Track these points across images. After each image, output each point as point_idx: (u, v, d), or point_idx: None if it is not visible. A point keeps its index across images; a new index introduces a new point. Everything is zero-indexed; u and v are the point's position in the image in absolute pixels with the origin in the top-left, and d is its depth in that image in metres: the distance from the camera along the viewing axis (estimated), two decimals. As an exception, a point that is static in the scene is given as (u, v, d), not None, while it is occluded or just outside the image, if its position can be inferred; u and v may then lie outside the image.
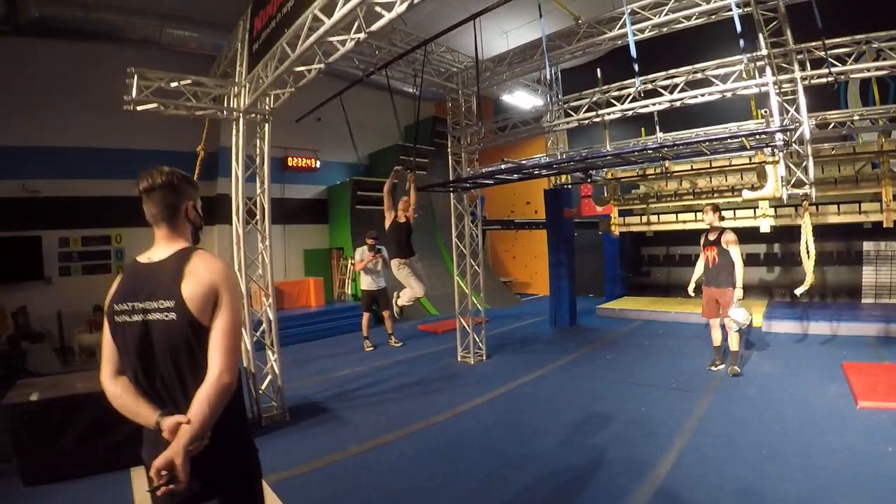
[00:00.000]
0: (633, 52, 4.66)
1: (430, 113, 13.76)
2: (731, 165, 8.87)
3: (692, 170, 9.54)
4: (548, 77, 9.93)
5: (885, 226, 7.85)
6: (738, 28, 4.53)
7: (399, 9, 3.48)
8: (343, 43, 4.05)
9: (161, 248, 1.88)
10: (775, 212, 7.90)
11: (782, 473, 3.77)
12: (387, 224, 6.87)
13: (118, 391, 1.78)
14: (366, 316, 9.19)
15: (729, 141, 5.84)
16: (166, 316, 1.73)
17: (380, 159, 14.89)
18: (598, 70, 7.23)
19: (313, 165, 14.71)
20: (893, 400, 5.03)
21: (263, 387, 5.57)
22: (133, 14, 8.78)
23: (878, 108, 7.57)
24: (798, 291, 6.67)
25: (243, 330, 5.49)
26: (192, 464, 1.59)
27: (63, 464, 4.18)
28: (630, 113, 6.44)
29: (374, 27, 3.78)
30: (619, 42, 6.22)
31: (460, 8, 8.28)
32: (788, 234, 10.37)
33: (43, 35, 8.48)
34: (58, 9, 8.14)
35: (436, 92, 8.91)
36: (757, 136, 5.53)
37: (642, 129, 8.11)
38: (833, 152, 8.18)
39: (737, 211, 8.56)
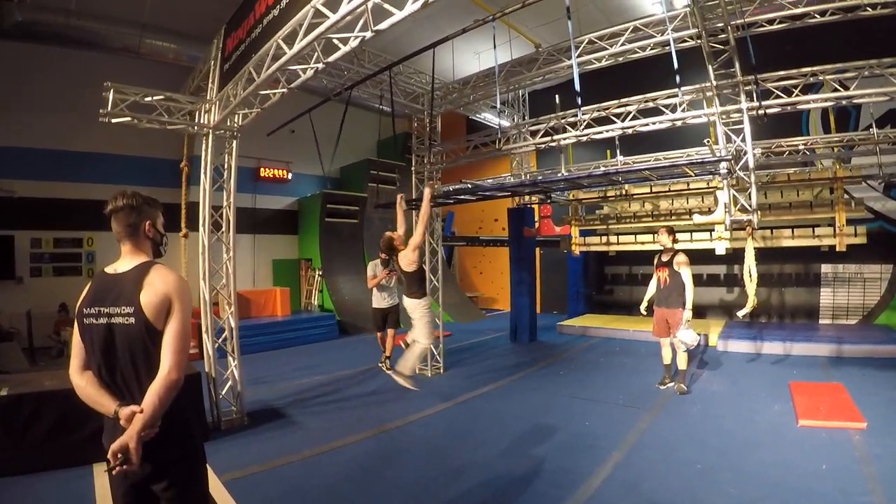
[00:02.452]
0: (577, 86, 5.08)
1: (404, 129, 14.06)
2: (688, 189, 9.37)
3: (651, 192, 10.06)
4: (500, 102, 10.36)
5: (837, 250, 8.37)
6: (675, 64, 4.99)
7: (353, 43, 3.90)
8: (304, 71, 4.47)
9: (125, 262, 2.25)
10: (731, 235, 8.39)
11: (713, 488, 4.05)
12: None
13: (83, 383, 2.14)
14: (380, 336, 8.70)
15: (674, 168, 6.24)
16: (127, 320, 2.10)
17: (351, 173, 15.45)
18: (557, 96, 7.68)
19: (285, 177, 15.15)
20: (833, 419, 5.37)
21: (224, 392, 5.92)
22: (114, 22, 9.11)
23: (833, 136, 8.12)
24: (741, 313, 7.09)
25: (205, 336, 5.88)
26: (143, 448, 1.92)
27: (30, 457, 4.49)
28: (585, 139, 6.88)
29: (332, 58, 4.20)
30: (551, 75, 6.70)
31: (432, 28, 8.75)
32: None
33: (25, 39, 8.78)
34: (41, 14, 8.47)
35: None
36: (700, 165, 5.94)
37: (608, 151, 8.58)
38: (789, 178, 8.68)
39: (694, 234, 9.03)
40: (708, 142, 5.64)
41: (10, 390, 4.59)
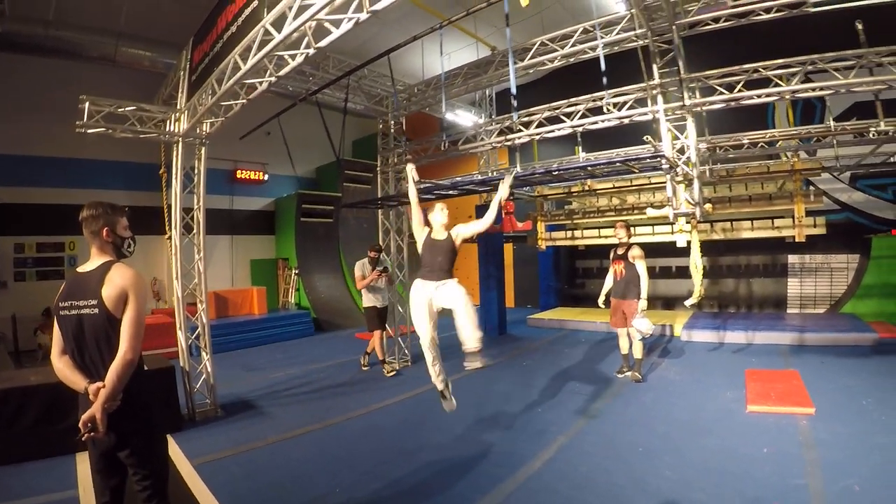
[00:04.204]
0: (514, 89, 5.57)
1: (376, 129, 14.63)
2: (650, 184, 9.89)
3: (614, 188, 10.59)
4: (468, 102, 10.86)
5: (797, 240, 8.89)
6: (603, 66, 5.48)
7: (299, 59, 4.43)
8: (260, 84, 5.00)
9: (92, 262, 2.79)
10: (692, 227, 8.88)
11: (650, 470, 4.39)
12: (419, 242, 5.02)
13: (61, 366, 2.68)
14: (377, 334, 8.44)
15: (613, 165, 6.71)
16: (91, 311, 2.63)
17: (326, 173, 16.08)
18: (513, 98, 8.17)
19: (261, 178, 15.78)
20: (781, 405, 5.71)
21: (198, 385, 6.46)
22: (90, 32, 9.60)
23: (791, 129, 8.59)
24: (688, 303, 7.55)
25: (179, 333, 6.40)
26: (108, 420, 2.45)
27: (17, 447, 4.99)
28: (537, 137, 7.39)
29: (282, 72, 4.75)
30: (531, 71, 7.21)
31: (401, 31, 9.27)
32: (715, 248, 11.50)
33: (5, 49, 9.26)
34: (20, 25, 8.97)
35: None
36: (637, 162, 6.42)
37: (576, 147, 9.10)
38: (748, 171, 9.20)
39: (655, 227, 9.55)
40: (648, 138, 6.07)
41: (-2, 386, 5.07)
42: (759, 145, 8.57)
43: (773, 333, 9.18)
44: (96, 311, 2.62)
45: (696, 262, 7.58)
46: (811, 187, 10.60)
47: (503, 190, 4.87)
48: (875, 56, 5.99)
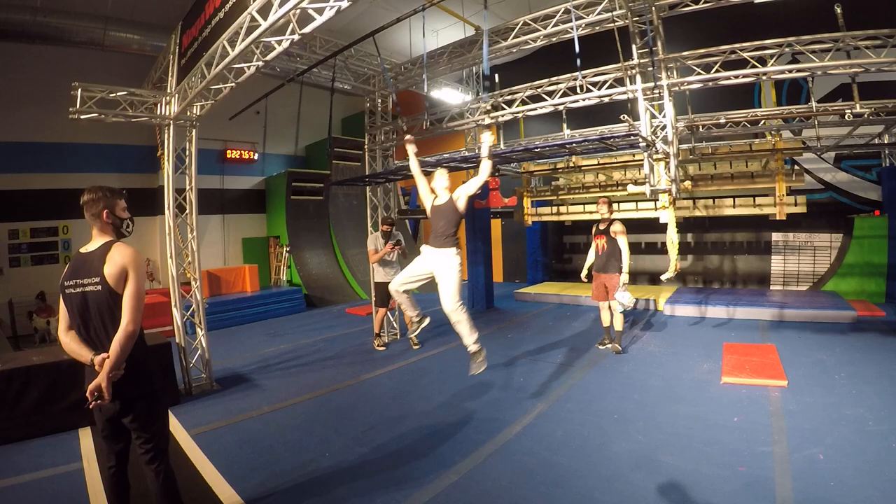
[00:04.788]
0: (486, 69, 5.86)
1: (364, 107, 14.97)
2: (634, 160, 10.17)
3: (598, 164, 10.90)
4: (455, 80, 11.09)
5: (778, 218, 9.20)
6: (577, 48, 5.74)
7: (284, 45, 4.70)
8: (248, 68, 5.27)
9: (94, 243, 3.07)
10: (675, 204, 9.18)
11: (622, 434, 4.70)
12: (427, 211, 5.34)
13: (68, 340, 2.97)
14: (381, 311, 8.57)
15: (590, 143, 6.99)
16: (95, 288, 2.92)
17: (316, 151, 16.36)
18: (496, 75, 8.47)
19: (252, 157, 16.08)
20: (755, 377, 5.96)
21: (194, 361, 6.81)
22: (78, 17, 9.80)
23: (774, 109, 8.87)
24: (663, 277, 7.83)
25: (174, 311, 6.72)
26: (112, 388, 2.77)
27: (21, 426, 5.27)
28: (520, 115, 7.67)
29: (269, 57, 5.01)
30: (515, 50, 7.48)
31: (390, 9, 9.50)
32: (700, 225, 11.82)
33: (-7, 38, 9.50)
34: (7, 13, 9.17)
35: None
36: (619, 140, 6.69)
37: (563, 124, 9.37)
38: (730, 150, 9.49)
39: (639, 203, 9.85)
40: (624, 117, 6.33)
41: (2, 366, 5.35)
42: (742, 124, 8.84)
43: (754, 309, 9.45)
44: (99, 287, 2.90)
45: (671, 237, 7.84)
46: (795, 167, 10.90)
47: (485, 148, 5.02)
48: (852, 40, 6.19)
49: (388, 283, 8.00)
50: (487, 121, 8.12)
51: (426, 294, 13.93)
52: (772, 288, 11.81)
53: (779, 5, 6.42)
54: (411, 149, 5.46)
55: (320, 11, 4.15)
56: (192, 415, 5.83)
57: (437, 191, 5.27)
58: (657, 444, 4.47)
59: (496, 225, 16.81)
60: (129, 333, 2.85)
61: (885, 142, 9.47)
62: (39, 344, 10.34)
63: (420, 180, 5.40)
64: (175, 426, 5.40)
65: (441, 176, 5.27)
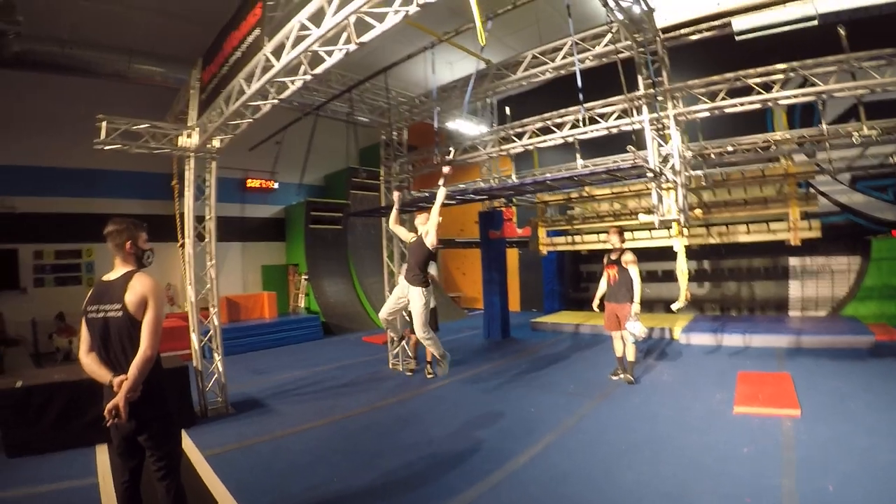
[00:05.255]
0: (465, 110, 6.08)
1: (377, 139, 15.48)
2: (647, 189, 10.27)
3: (612, 193, 11.06)
4: (466, 112, 11.37)
5: (792, 244, 9.20)
6: (579, 82, 5.95)
7: (297, 84, 5.01)
8: (264, 105, 5.59)
9: (116, 271, 3.34)
10: (688, 232, 9.27)
11: (629, 465, 4.75)
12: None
13: (88, 361, 3.22)
14: (413, 337, 8.69)
15: (596, 174, 7.15)
16: (116, 314, 3.18)
17: (334, 181, 16.87)
18: (507, 108, 8.73)
19: (271, 186, 16.64)
20: (767, 406, 5.96)
21: (210, 384, 7.08)
22: (104, 50, 10.30)
23: (784, 133, 8.82)
24: (674, 307, 7.92)
25: (192, 335, 7.01)
26: (129, 408, 3.01)
27: (41, 440, 5.60)
28: (531, 147, 7.90)
29: (284, 95, 5.34)
30: (525, 83, 7.72)
31: (406, 43, 9.81)
32: (717, 251, 11.86)
33: (23, 68, 10.00)
34: (37, 45, 9.67)
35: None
36: (626, 170, 6.84)
37: (577, 154, 9.58)
38: (743, 175, 9.59)
39: (653, 231, 9.97)
40: (630, 148, 6.49)
41: (25, 382, 5.73)
42: (753, 150, 8.90)
43: (771, 336, 9.47)
44: (120, 313, 3.15)
45: (681, 266, 7.95)
46: (810, 189, 10.93)
47: (439, 198, 5.76)
48: (856, 61, 6.24)
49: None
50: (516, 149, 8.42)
51: (447, 323, 14.15)
52: (790, 314, 11.79)
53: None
54: (397, 201, 6.24)
55: (330, 54, 4.44)
56: (207, 437, 6.08)
57: (418, 230, 6.06)
58: (663, 477, 4.50)
59: (513, 255, 17.15)
60: (146, 358, 3.09)
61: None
62: (62, 362, 10.72)
63: (397, 230, 6.32)
64: (189, 447, 5.66)
65: (418, 217, 6.20)
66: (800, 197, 9.29)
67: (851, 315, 10.64)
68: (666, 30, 3.34)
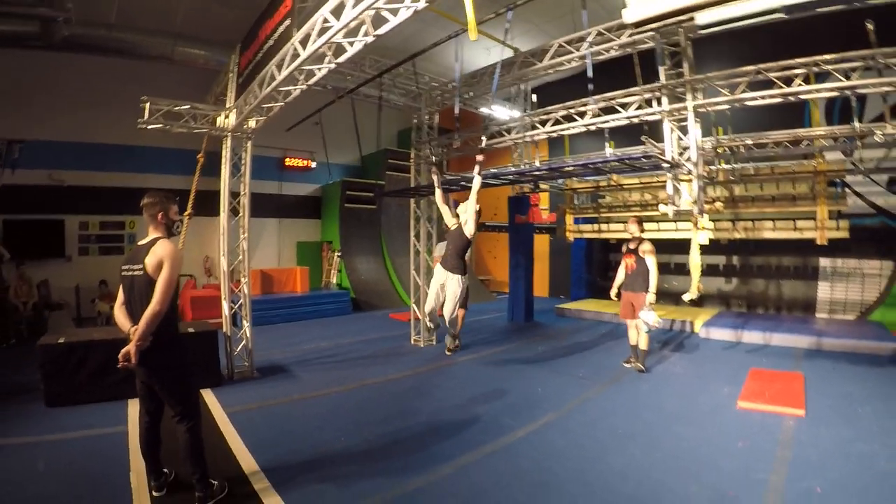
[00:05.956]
0: (495, 85, 6.49)
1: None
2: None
3: (640, 183, 11.34)
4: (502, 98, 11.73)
5: (818, 243, 9.31)
6: (590, 73, 6.27)
7: (322, 72, 5.53)
8: (294, 90, 6.12)
9: (148, 237, 3.94)
10: (714, 225, 9.41)
11: (622, 450, 5.01)
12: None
13: (119, 312, 3.86)
14: (461, 312, 9.40)
15: (622, 163, 7.38)
16: (138, 273, 3.78)
17: (371, 161, 17.36)
18: (535, 95, 9.07)
19: (309, 165, 17.61)
20: (772, 404, 6.09)
21: (238, 349, 7.76)
22: (150, 34, 11.11)
23: (814, 129, 8.86)
24: (685, 297, 8.12)
25: (224, 302, 7.76)
26: (141, 356, 3.59)
27: (78, 392, 6.28)
28: (555, 135, 8.28)
29: (311, 81, 5.85)
30: (552, 71, 8.08)
31: (440, 27, 10.26)
32: (746, 247, 11.94)
33: (72, 50, 10.87)
34: (85, 29, 10.46)
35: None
36: (641, 161, 7.07)
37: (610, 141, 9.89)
38: (772, 171, 9.74)
39: (679, 223, 10.18)
40: (645, 138, 6.73)
41: (66, 339, 6.42)
42: (783, 144, 9.00)
43: (791, 336, 9.53)
44: (141, 273, 3.75)
45: (694, 259, 8.14)
46: (845, 189, 10.93)
47: (476, 167, 6.25)
48: (882, 57, 6.20)
49: None
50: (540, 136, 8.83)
51: (475, 304, 14.55)
52: (817, 316, 11.78)
53: (807, 25, 6.32)
54: (435, 178, 6.64)
55: (351, 44, 4.91)
56: (231, 396, 6.73)
57: (460, 216, 6.48)
58: (653, 462, 4.73)
59: (544, 240, 17.46)
60: (154, 312, 3.62)
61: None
62: (103, 326, 11.58)
63: (442, 208, 6.70)
64: (213, 404, 6.35)
65: (462, 205, 6.44)
66: (829, 196, 9.37)
67: (878, 320, 10.61)
68: (637, 24, 3.58)
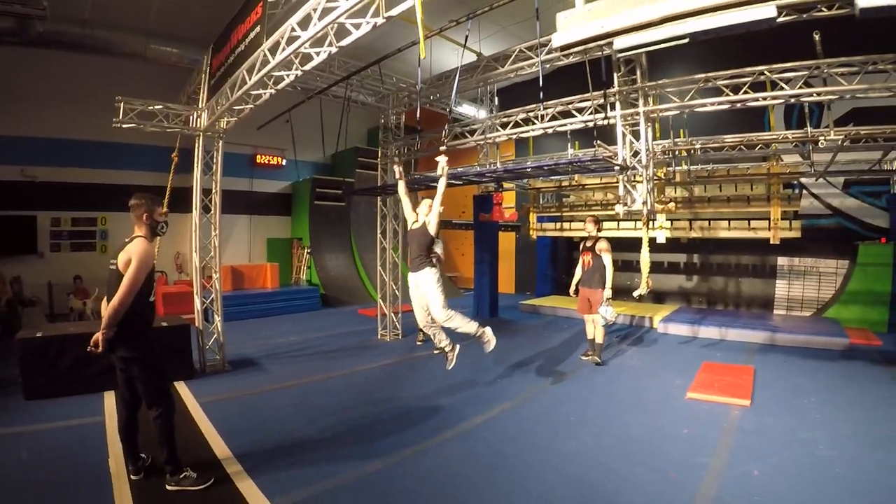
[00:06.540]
0: (455, 90, 6.92)
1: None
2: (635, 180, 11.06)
3: (601, 182, 11.90)
4: (469, 99, 12.20)
5: (772, 242, 9.89)
6: (541, 81, 6.67)
7: (290, 78, 5.94)
8: (263, 93, 6.53)
9: (132, 235, 4.33)
10: (671, 224, 9.97)
11: (573, 435, 5.42)
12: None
13: (102, 305, 4.30)
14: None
15: (575, 165, 7.93)
16: (112, 268, 4.21)
17: (340, 159, 17.99)
18: (496, 98, 9.56)
19: (280, 163, 17.99)
20: (719, 394, 6.49)
21: (210, 343, 8.14)
22: (122, 31, 11.43)
23: (771, 133, 9.42)
24: (635, 294, 8.62)
25: (196, 297, 8.12)
26: (109, 345, 4.03)
27: (56, 385, 6.58)
28: (514, 137, 8.76)
29: (280, 86, 6.26)
30: (513, 75, 8.55)
31: (409, 29, 10.64)
32: (706, 246, 12.56)
33: (47, 47, 11.17)
34: (60, 25, 10.75)
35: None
36: (593, 162, 7.62)
37: (575, 142, 10.34)
38: (728, 173, 10.35)
39: (637, 223, 10.71)
40: (598, 142, 7.17)
41: (44, 333, 6.77)
42: (738, 147, 9.57)
43: (747, 331, 10.06)
44: (114, 268, 4.17)
45: (644, 257, 8.61)
46: (802, 191, 11.60)
47: (439, 169, 6.21)
48: (826, 67, 6.79)
49: None
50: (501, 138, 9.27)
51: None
52: (775, 312, 12.41)
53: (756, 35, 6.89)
54: (397, 170, 6.78)
55: (317, 53, 5.33)
56: (203, 388, 7.13)
57: (419, 216, 6.46)
58: (602, 447, 5.12)
59: (510, 238, 18.21)
60: (114, 305, 3.99)
61: (885, 168, 10.04)
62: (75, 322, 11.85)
63: (405, 200, 6.68)
64: (186, 395, 6.75)
65: (425, 204, 6.43)
66: (783, 197, 9.95)
67: (833, 317, 11.15)
68: (563, 48, 3.97)
